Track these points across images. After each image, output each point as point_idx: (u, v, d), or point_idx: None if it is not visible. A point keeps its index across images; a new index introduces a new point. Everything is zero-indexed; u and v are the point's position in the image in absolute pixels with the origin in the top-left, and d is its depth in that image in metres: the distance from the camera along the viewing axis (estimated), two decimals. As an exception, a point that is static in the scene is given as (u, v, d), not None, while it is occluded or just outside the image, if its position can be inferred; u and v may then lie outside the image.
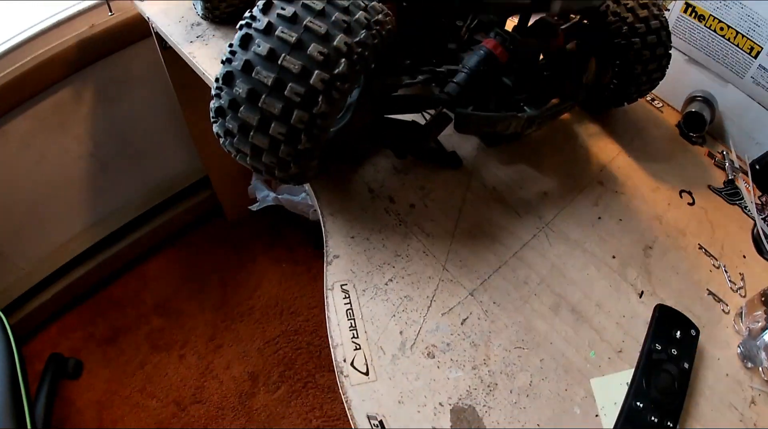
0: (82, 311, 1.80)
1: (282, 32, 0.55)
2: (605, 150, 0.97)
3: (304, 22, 0.55)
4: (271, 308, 1.81)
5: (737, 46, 1.01)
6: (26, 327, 1.74)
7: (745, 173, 1.02)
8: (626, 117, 1.07)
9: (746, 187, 0.98)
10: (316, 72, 0.55)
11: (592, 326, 0.70)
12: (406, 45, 0.74)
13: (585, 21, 0.92)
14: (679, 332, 0.68)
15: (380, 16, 0.60)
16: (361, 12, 0.58)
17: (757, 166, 1.01)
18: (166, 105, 1.70)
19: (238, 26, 0.59)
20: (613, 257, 0.78)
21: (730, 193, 0.97)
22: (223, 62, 0.59)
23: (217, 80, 0.59)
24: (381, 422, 0.57)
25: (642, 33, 0.85)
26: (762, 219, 0.92)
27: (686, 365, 0.65)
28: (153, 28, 1.24)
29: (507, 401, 0.61)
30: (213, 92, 0.61)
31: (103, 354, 1.72)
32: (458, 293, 0.70)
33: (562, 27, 0.92)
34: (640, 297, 0.74)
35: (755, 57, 1.00)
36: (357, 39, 0.57)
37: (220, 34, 1.13)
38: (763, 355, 0.68)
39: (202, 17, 1.15)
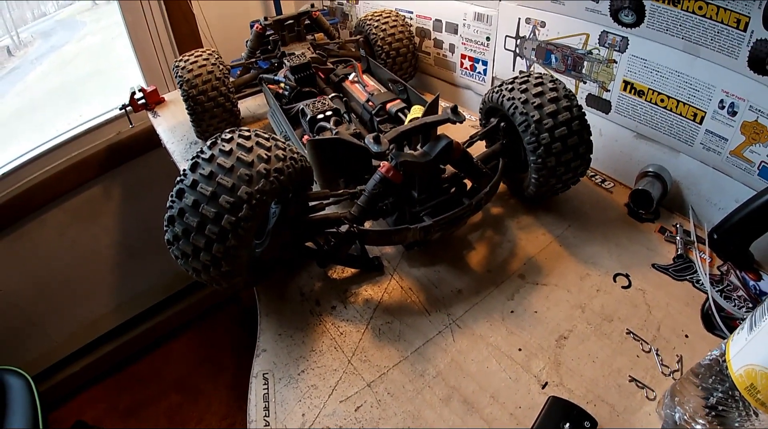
0: (107, 384, 1.99)
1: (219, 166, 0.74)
2: (535, 241, 1.00)
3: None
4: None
5: (680, 114, 1.06)
6: (56, 394, 1.94)
7: (702, 243, 0.99)
8: (568, 204, 1.09)
9: (701, 257, 0.96)
10: (243, 187, 0.71)
11: (482, 416, 0.73)
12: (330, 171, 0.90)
13: (502, 124, 1.02)
14: (568, 424, 0.68)
15: (280, 164, 0.76)
16: (262, 164, 0.75)
17: (716, 235, 0.98)
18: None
19: (189, 159, 0.77)
20: (519, 350, 0.81)
21: (680, 269, 0.94)
22: (177, 182, 0.76)
23: (171, 196, 0.76)
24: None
25: (550, 128, 0.90)
26: (717, 291, 0.90)
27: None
28: (162, 143, 1.49)
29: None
30: (167, 205, 0.77)
31: (124, 425, 1.87)
32: (357, 384, 0.78)
33: (479, 133, 1.04)
34: (543, 388, 0.76)
35: (700, 123, 1.03)
36: (257, 187, 0.73)
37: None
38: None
39: (197, 137, 1.39)
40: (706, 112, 1.02)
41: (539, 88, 0.95)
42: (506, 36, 1.35)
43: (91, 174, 1.79)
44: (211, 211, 0.71)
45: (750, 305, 0.87)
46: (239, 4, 1.95)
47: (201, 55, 1.30)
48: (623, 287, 0.91)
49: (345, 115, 1.09)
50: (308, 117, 1.05)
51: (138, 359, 2.07)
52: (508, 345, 0.83)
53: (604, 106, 1.21)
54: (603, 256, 0.97)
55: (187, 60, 1.29)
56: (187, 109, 1.29)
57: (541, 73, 1.00)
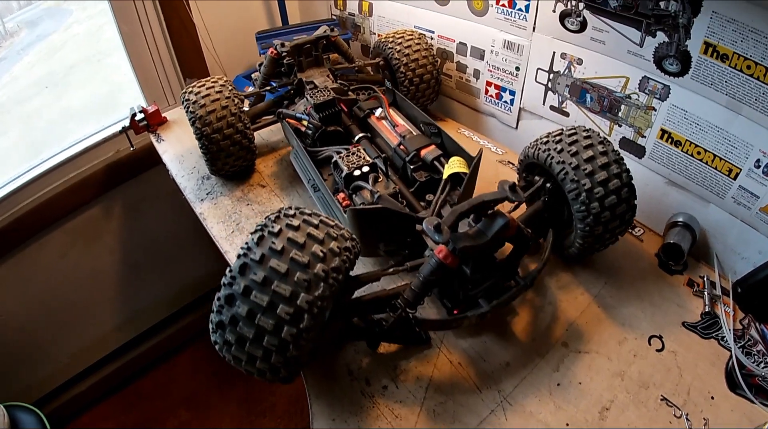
0: (114, 402, 1.96)
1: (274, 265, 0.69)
2: (575, 303, 1.00)
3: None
4: (293, 405, 1.91)
5: (715, 168, 1.05)
6: (63, 414, 1.91)
7: (727, 295, 1.01)
8: (602, 256, 1.08)
9: (726, 311, 0.99)
10: (302, 295, 0.67)
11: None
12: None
13: (548, 185, 0.99)
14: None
15: (337, 260, 0.72)
16: (319, 265, 0.70)
17: (740, 289, 1.01)
18: (189, 215, 1.89)
19: (236, 255, 0.72)
20: (567, 425, 0.83)
21: (707, 326, 0.97)
22: (224, 285, 0.71)
23: (218, 299, 0.71)
24: None
25: (600, 197, 0.89)
26: (740, 347, 0.93)
27: None
28: (170, 175, 1.41)
29: None
30: (214, 308, 0.72)
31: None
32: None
33: (525, 194, 1.01)
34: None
35: (734, 179, 1.03)
36: (317, 293, 0.69)
37: (227, 191, 1.28)
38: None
39: (210, 172, 1.31)
40: (741, 169, 1.02)
41: (590, 152, 0.92)
42: (538, 68, 1.30)
43: (91, 195, 1.70)
44: (269, 323, 0.67)
45: (768, 360, 0.92)
46: (241, 11, 1.83)
47: (213, 87, 1.21)
48: (657, 350, 0.94)
49: (381, 168, 1.04)
50: (344, 173, 0.99)
51: (144, 375, 2.04)
52: (556, 421, 0.84)
53: (638, 150, 1.19)
54: (638, 317, 0.99)
55: (198, 93, 1.20)
56: (200, 147, 1.21)
57: (589, 131, 0.97)
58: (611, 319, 0.98)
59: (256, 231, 0.74)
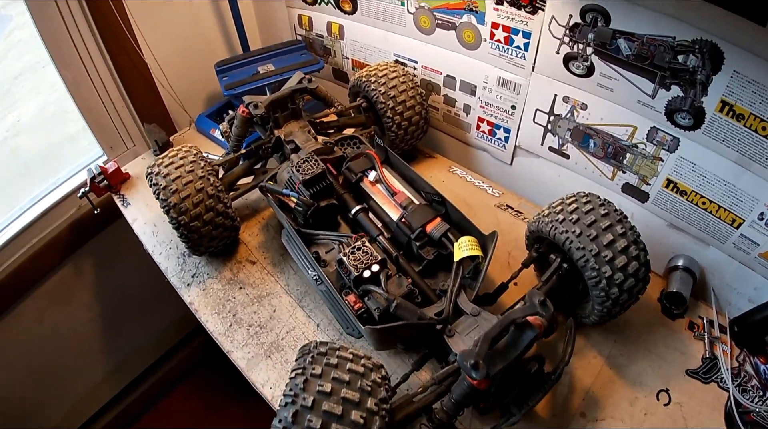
0: None
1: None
2: (589, 368, 1.01)
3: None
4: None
5: (719, 217, 1.04)
6: None
7: (724, 332, 1.06)
8: None
9: (724, 350, 1.03)
10: None
11: None
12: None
13: (564, 265, 0.95)
14: None
15: (381, 392, 0.70)
16: (370, 400, 0.69)
17: (736, 327, 1.05)
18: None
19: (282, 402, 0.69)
20: None
21: (707, 370, 1.01)
22: None
23: None
24: None
25: (620, 282, 0.88)
26: (736, 386, 0.97)
27: None
28: (144, 248, 1.29)
29: None
30: None
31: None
32: None
33: (543, 277, 0.96)
34: None
35: (737, 228, 1.02)
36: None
37: (214, 271, 1.18)
38: None
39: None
40: (744, 220, 1.01)
41: (609, 235, 0.89)
42: (537, 110, 1.21)
43: (57, 258, 1.57)
44: None
45: (761, 393, 0.97)
46: (195, 41, 1.63)
47: (182, 165, 1.07)
48: (665, 405, 0.97)
49: (390, 260, 0.97)
50: (352, 275, 0.91)
51: (139, 420, 1.99)
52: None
53: (641, 196, 1.15)
54: (647, 372, 1.02)
55: (167, 175, 1.05)
56: (179, 236, 1.09)
57: (604, 203, 0.94)
58: (623, 380, 1.00)
59: (296, 375, 0.71)
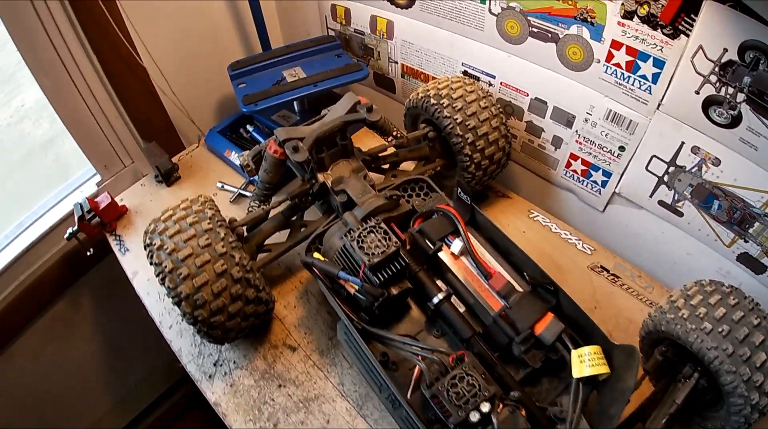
0: None
1: None
2: None
3: None
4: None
5: None
6: None
7: None
8: None
9: None
10: None
11: None
12: None
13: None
14: None
15: None
16: None
17: None
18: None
19: None
20: None
21: None
22: None
23: None
24: None
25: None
26: None
27: None
28: (150, 316, 1.06)
29: None
30: None
31: None
32: None
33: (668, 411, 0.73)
34: None
35: None
36: None
37: (242, 360, 0.93)
38: None
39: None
40: None
41: (762, 355, 0.67)
42: (654, 156, 0.94)
43: (50, 293, 1.33)
44: None
45: None
46: (205, 41, 1.32)
47: (194, 235, 0.79)
48: None
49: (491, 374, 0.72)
50: (454, 420, 0.65)
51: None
52: None
53: (757, 267, 0.92)
54: None
55: (173, 250, 0.77)
56: (197, 332, 0.82)
57: (754, 307, 0.72)
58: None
59: None
